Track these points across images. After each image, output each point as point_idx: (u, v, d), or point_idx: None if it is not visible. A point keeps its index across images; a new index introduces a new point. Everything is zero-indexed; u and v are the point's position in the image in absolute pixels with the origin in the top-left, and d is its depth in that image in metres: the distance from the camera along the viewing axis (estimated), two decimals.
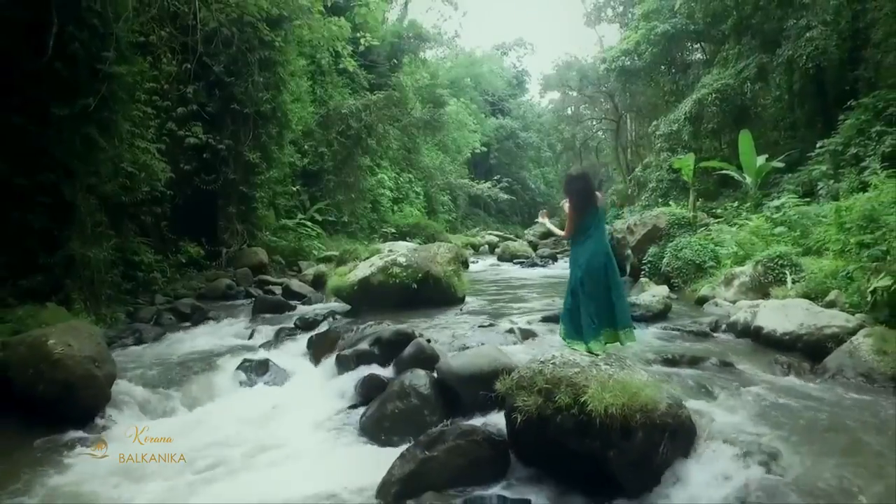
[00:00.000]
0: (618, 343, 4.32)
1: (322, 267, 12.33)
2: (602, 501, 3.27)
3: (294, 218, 15.10)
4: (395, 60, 21.03)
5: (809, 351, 5.41)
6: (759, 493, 2.97)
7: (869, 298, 5.22)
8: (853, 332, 5.20)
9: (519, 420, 3.26)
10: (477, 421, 4.09)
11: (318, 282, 11.33)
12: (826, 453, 3.35)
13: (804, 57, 14.88)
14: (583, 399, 3.03)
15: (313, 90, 16.83)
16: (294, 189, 15.30)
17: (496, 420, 4.01)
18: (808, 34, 14.81)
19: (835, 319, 5.50)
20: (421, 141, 22.49)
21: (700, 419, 3.83)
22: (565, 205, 4.77)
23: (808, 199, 11.59)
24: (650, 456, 3.15)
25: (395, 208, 23.22)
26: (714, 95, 17.19)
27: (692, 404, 4.08)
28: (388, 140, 18.39)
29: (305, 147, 16.14)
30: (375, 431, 4.56)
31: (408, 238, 17.49)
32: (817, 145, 13.69)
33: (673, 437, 3.28)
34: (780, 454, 3.35)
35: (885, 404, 4.15)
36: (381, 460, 3.96)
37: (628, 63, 22.66)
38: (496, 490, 3.40)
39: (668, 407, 3.23)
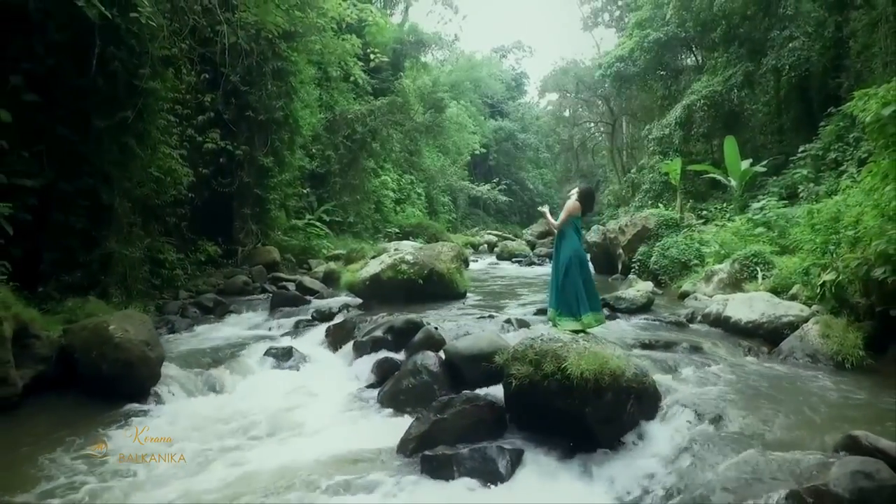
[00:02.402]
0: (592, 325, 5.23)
1: (332, 265, 13.09)
2: (581, 453, 4.03)
3: (303, 218, 15.86)
4: (400, 72, 21.76)
5: (769, 336, 6.21)
6: (702, 441, 3.76)
7: (818, 291, 6.00)
8: (806, 320, 6.00)
9: (514, 384, 4.03)
10: (478, 392, 4.85)
11: (329, 278, 12.09)
12: (761, 414, 4.13)
13: (787, 66, 15.68)
14: (564, 366, 3.80)
15: (320, 96, 17.58)
16: (305, 191, 16.09)
17: (494, 391, 4.77)
18: (790, 45, 15.60)
19: (791, 310, 6.30)
20: (423, 144, 23.24)
21: (666, 389, 4.62)
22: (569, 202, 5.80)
23: (786, 202, 12.35)
24: (619, 413, 3.92)
25: (398, 209, 23.98)
26: (703, 101, 17.97)
27: (661, 378, 4.87)
28: (391, 143, 19.16)
29: (313, 151, 16.91)
30: (392, 403, 5.32)
31: (410, 237, 18.26)
32: (799, 150, 14.48)
33: (639, 400, 4.05)
34: (725, 414, 4.13)
35: (819, 378, 4.94)
36: (398, 426, 4.72)
37: (623, 69, 23.46)
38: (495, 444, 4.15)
39: (634, 375, 4.01)
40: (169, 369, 6.16)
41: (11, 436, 4.75)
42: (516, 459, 3.91)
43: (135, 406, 5.44)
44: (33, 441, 4.62)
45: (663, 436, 4.00)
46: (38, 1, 7.44)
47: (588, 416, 3.84)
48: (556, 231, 5.90)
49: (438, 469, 3.89)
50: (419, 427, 4.35)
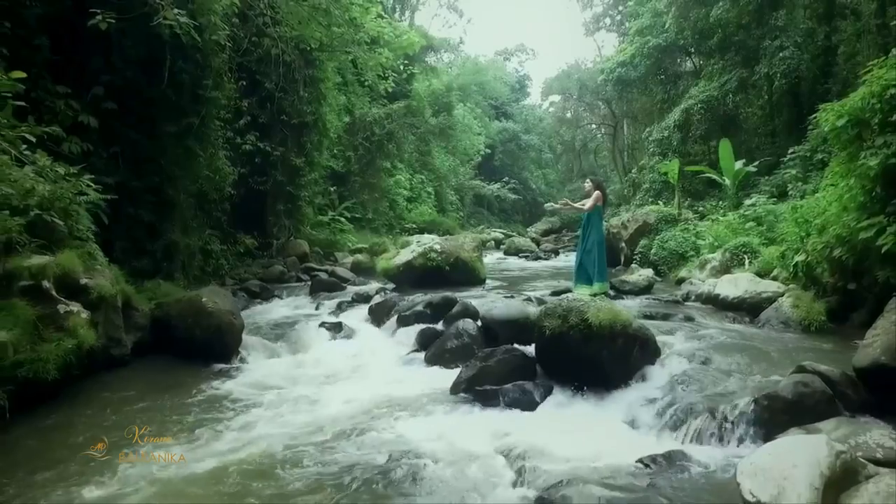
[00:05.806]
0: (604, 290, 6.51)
1: (358, 256, 14.27)
2: (597, 388, 5.15)
3: (326, 215, 17.04)
4: (411, 76, 22.89)
5: (751, 309, 7.37)
6: (692, 376, 4.91)
7: (792, 271, 7.14)
8: (781, 295, 7.15)
9: (546, 333, 5.16)
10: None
11: (357, 268, 13.27)
12: (739, 358, 5.28)
13: (779, 74, 16.83)
14: (586, 317, 4.94)
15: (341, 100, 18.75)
16: (331, 189, 17.27)
17: (524, 349, 5.89)
18: (781, 54, 16.74)
19: (770, 287, 7.45)
20: (434, 145, 24.42)
21: (664, 345, 5.76)
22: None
23: (776, 200, 13.46)
24: (627, 356, 5.05)
25: (410, 207, 25.17)
26: (700, 105, 19.10)
27: (661, 338, 5.99)
28: (406, 145, 20.34)
29: (335, 151, 18.09)
30: (439, 360, 6.44)
31: (425, 233, 19.42)
32: (789, 151, 15.59)
33: (643, 347, 5.19)
34: (710, 359, 5.28)
35: (788, 337, 6.12)
36: (446, 376, 5.81)
37: (624, 73, 24.62)
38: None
39: (639, 328, 5.15)
40: (245, 339, 7.28)
41: (133, 382, 5.86)
42: (547, 392, 5.05)
43: (224, 365, 6.54)
44: (152, 389, 5.72)
45: (661, 375, 5.13)
46: (117, 21, 8.54)
47: (604, 358, 4.97)
48: (584, 215, 7.17)
49: (487, 399, 5.03)
50: (468, 372, 5.47)
